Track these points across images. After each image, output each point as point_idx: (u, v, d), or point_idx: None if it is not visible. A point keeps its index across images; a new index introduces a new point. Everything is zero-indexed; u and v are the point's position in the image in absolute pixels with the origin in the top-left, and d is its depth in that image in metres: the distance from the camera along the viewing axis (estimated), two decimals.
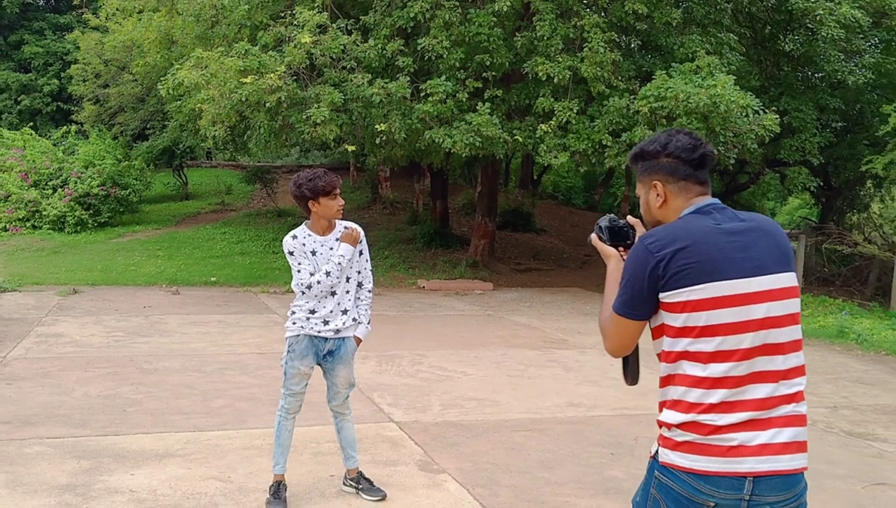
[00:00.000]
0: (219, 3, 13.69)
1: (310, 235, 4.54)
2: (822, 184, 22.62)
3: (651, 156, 2.31)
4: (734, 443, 2.14)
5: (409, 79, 12.60)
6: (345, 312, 4.59)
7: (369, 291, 4.73)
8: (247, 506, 4.49)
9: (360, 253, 4.64)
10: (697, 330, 2.14)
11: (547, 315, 12.13)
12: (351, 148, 13.46)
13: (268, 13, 13.71)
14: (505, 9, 12.48)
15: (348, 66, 12.82)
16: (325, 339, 4.57)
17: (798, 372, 2.23)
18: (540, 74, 12.57)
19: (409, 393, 7.19)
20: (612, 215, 2.50)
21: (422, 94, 12.68)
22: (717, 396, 2.15)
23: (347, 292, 4.58)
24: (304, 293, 4.50)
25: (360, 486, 4.72)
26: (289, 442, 4.63)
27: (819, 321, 11.59)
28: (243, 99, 12.10)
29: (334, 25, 12.93)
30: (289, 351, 4.57)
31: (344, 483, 4.79)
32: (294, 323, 4.57)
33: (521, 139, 13.06)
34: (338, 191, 4.47)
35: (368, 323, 4.73)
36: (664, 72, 12.49)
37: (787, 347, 2.20)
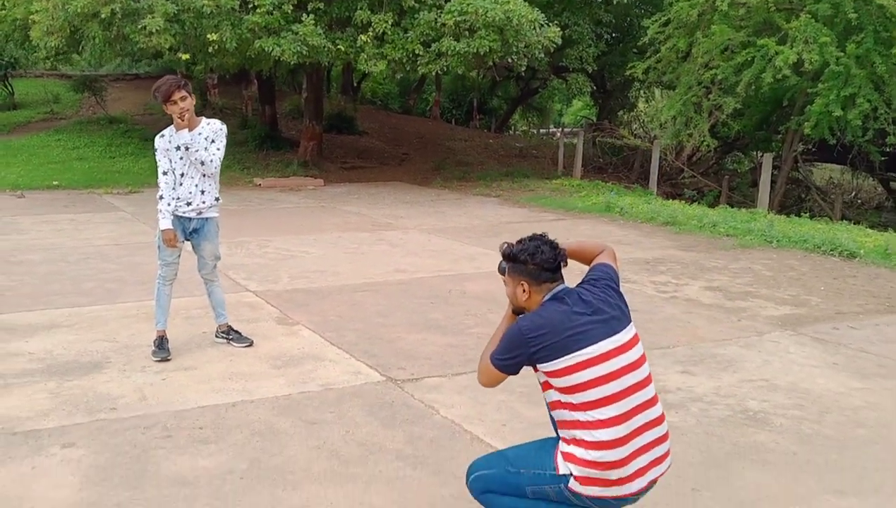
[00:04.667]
0: None
1: (176, 133, 4.87)
2: (597, 87, 24.29)
3: (521, 262, 2.61)
4: (631, 471, 2.49)
5: None
6: (203, 193, 4.98)
7: (211, 161, 4.88)
8: (135, 358, 4.91)
9: (213, 141, 4.92)
10: (577, 387, 2.47)
11: (373, 204, 12.74)
12: (185, 56, 13.13)
13: None
14: None
15: None
16: (190, 219, 5.00)
17: (656, 398, 2.60)
18: None
19: (260, 269, 7.66)
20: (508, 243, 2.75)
21: (250, 6, 12.55)
22: (608, 434, 2.45)
23: (203, 175, 4.95)
24: (166, 185, 4.90)
25: (231, 337, 5.25)
26: (168, 305, 5.06)
27: (592, 200, 12.90)
28: (77, 10, 11.50)
29: None
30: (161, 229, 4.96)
31: (216, 336, 5.29)
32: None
33: (343, 48, 13.27)
34: (175, 97, 4.70)
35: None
36: None
37: (646, 382, 2.56)
